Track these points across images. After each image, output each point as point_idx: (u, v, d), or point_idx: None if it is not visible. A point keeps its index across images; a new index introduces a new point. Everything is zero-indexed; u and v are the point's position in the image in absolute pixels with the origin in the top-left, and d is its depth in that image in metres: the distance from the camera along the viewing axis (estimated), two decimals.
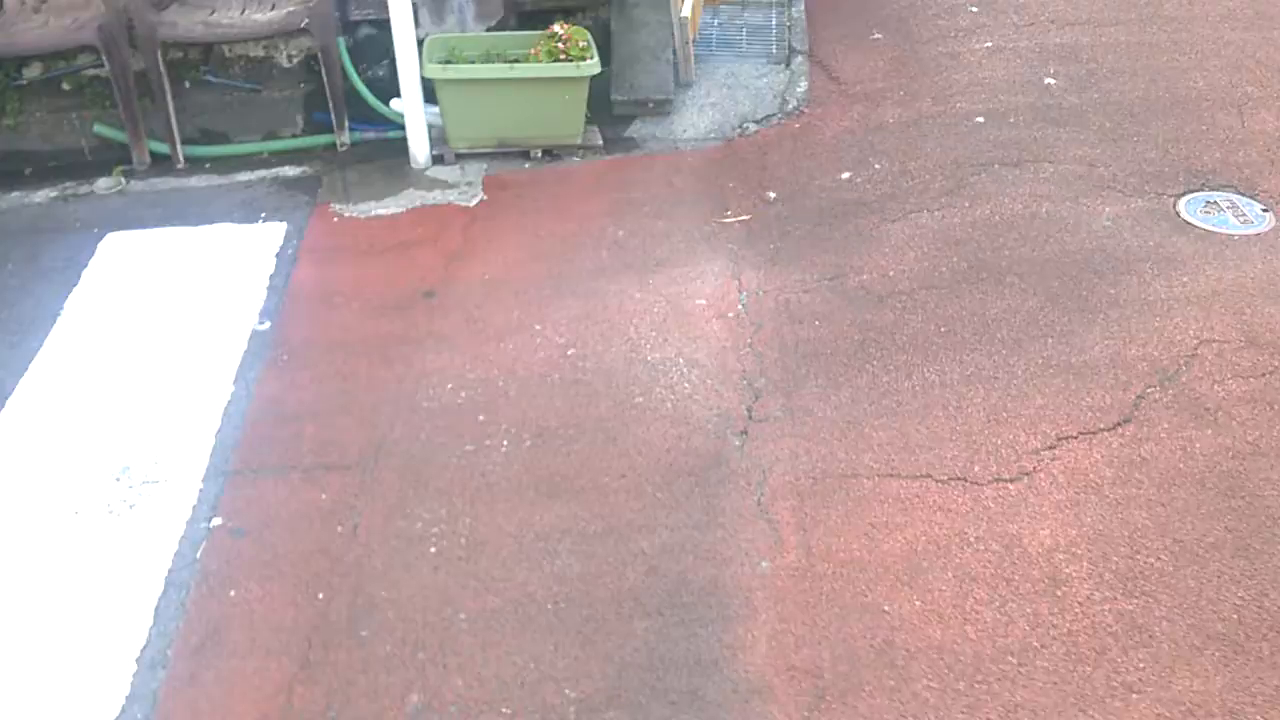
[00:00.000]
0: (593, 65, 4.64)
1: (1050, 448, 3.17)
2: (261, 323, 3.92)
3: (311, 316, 3.96)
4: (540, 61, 4.71)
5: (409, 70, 4.58)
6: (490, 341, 3.79)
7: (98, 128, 4.90)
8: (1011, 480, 3.08)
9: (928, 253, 4.05)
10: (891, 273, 3.96)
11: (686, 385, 3.55)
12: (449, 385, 3.60)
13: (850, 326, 3.73)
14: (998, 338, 3.61)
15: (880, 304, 3.82)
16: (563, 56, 4.69)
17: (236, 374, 3.68)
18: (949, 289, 3.85)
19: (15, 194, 4.82)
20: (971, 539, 2.92)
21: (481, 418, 3.47)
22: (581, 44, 4.73)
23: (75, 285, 4.13)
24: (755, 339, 3.72)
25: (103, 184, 4.84)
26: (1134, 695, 2.56)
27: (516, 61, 4.74)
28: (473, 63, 4.73)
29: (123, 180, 4.85)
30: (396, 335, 3.83)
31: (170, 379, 3.67)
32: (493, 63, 4.74)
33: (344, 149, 4.96)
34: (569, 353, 3.71)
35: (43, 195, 4.81)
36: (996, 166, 4.49)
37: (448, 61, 4.70)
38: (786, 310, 3.84)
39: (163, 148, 4.87)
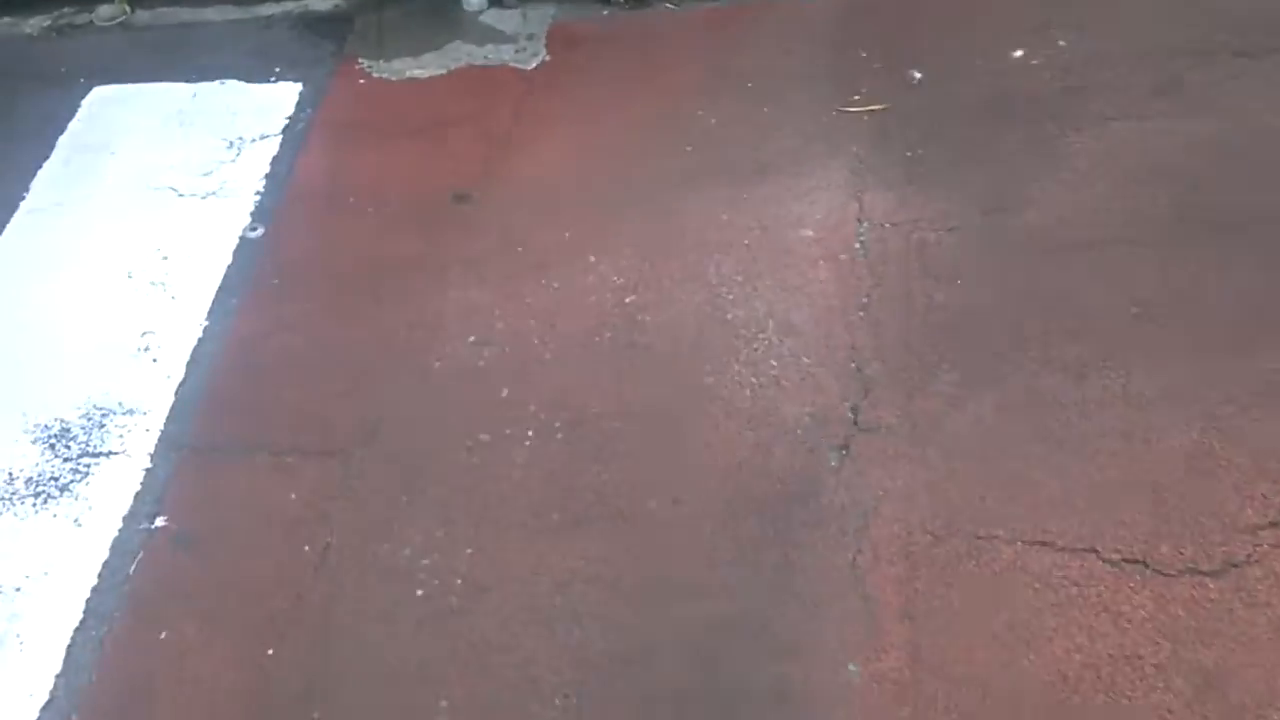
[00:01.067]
0: None
1: (1275, 524, 2.24)
2: (254, 228, 3.16)
3: (314, 223, 3.18)
4: None
5: None
6: (530, 275, 2.95)
7: None
8: (1212, 574, 2.17)
9: (1124, 184, 2.97)
10: (1070, 211, 2.92)
11: (774, 363, 2.68)
12: (470, 338, 2.82)
13: (1005, 291, 2.76)
14: (1215, 332, 2.59)
15: (1050, 259, 2.81)
16: None
17: (213, 302, 2.96)
18: (1151, 246, 2.80)
19: (5, 20, 4.08)
20: (1149, 667, 2.07)
21: (505, 392, 2.69)
22: None
23: (46, 160, 3.42)
24: (874, 297, 2.79)
25: (104, 12, 4.06)
26: None
27: None
28: None
29: (127, 9, 4.05)
30: (415, 258, 3.03)
31: (134, 306, 2.97)
32: None
33: None
34: (627, 300, 2.86)
35: (34, 24, 4.07)
36: (1227, 56, 3.27)
37: None
38: (920, 256, 2.87)
39: None
